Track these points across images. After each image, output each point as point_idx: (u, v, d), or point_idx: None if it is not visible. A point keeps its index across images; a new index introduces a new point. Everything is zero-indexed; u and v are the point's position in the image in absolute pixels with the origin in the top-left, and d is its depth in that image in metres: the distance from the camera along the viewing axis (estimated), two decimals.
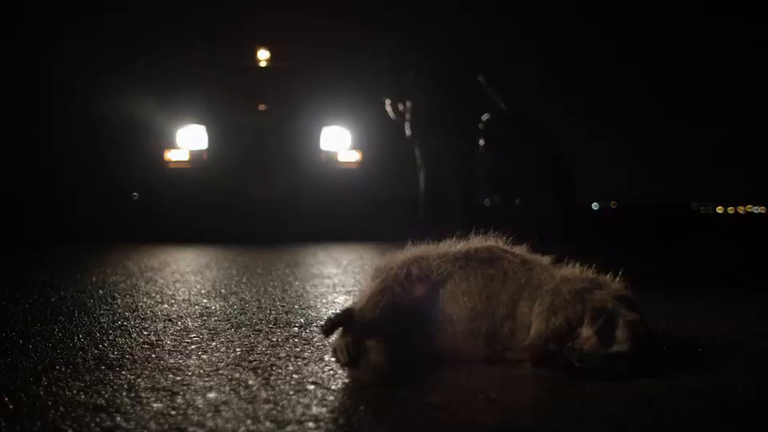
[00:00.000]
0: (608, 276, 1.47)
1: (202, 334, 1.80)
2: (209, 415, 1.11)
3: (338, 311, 1.45)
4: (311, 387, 1.29)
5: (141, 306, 2.26)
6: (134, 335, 1.78)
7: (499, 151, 6.57)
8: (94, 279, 3.00)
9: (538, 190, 7.03)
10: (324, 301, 2.43)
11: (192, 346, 1.64)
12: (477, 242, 1.57)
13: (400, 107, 5.01)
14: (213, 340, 1.72)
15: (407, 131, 5.00)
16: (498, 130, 6.19)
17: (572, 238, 5.59)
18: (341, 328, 1.40)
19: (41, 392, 1.23)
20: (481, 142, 6.30)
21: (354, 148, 6.61)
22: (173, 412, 1.13)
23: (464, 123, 4.90)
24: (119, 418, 1.09)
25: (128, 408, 1.15)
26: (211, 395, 1.23)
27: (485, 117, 5.84)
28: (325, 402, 1.19)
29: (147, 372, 1.39)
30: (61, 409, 1.14)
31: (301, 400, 1.21)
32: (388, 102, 5.07)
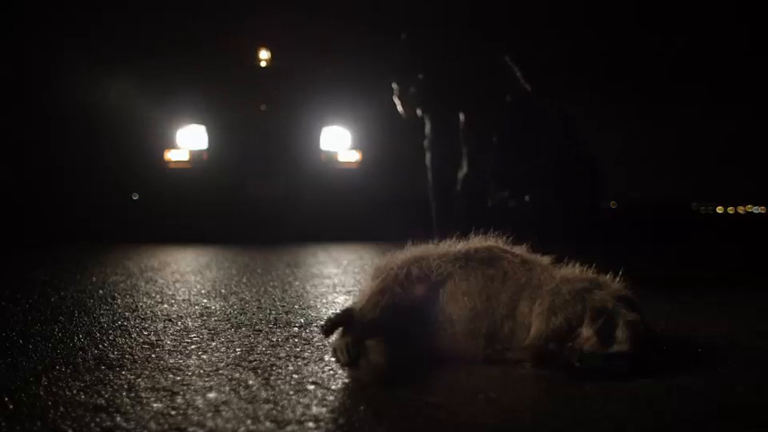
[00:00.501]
0: (608, 276, 1.47)
1: (202, 334, 1.80)
2: (209, 415, 1.11)
3: (338, 311, 1.45)
4: (311, 387, 1.29)
5: (141, 306, 2.26)
6: (134, 335, 1.78)
7: (510, 145, 6.38)
8: (94, 279, 3.00)
9: (541, 187, 6.89)
10: (324, 301, 2.43)
11: (192, 346, 1.64)
12: (477, 242, 1.57)
13: (408, 109, 4.91)
14: (213, 340, 1.72)
15: (427, 133, 4.88)
16: (513, 117, 5.97)
17: (572, 238, 5.59)
18: (341, 328, 1.40)
19: (41, 392, 1.23)
20: (493, 138, 6.12)
21: (354, 148, 6.61)
22: (173, 412, 1.13)
23: (475, 123, 4.81)
24: (119, 418, 1.09)
25: (128, 408, 1.15)
26: (211, 395, 1.23)
27: (507, 98, 5.65)
28: (325, 402, 1.19)
29: (147, 372, 1.39)
30: (61, 409, 1.14)
31: (301, 400, 1.21)
32: (397, 94, 4.95)
